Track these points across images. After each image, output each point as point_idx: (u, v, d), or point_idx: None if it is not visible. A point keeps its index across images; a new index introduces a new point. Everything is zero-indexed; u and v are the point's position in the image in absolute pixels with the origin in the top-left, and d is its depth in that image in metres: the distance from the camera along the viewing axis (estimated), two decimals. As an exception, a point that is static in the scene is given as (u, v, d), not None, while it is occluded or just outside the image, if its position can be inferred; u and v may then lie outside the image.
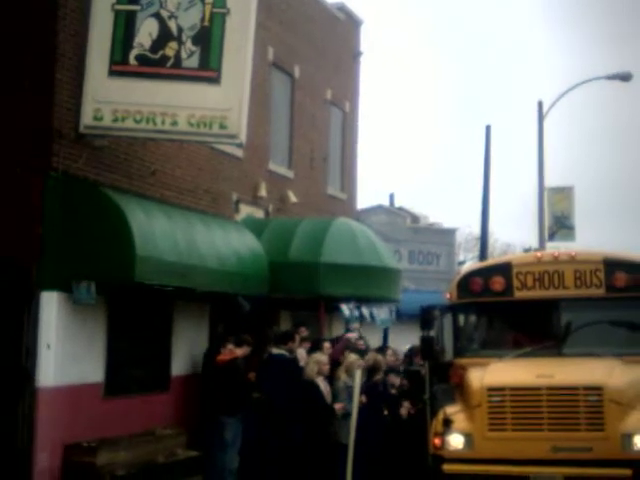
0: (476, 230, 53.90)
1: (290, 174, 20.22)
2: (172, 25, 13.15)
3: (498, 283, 12.29)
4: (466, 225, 51.13)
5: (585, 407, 10.44)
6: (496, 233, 52.97)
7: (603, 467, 10.19)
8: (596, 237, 39.57)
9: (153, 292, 14.14)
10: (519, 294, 12.22)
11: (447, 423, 10.90)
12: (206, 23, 13.09)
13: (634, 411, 10.47)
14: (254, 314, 16.57)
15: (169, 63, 13.13)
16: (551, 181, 31.58)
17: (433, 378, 12.74)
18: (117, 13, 13.23)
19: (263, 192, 18.75)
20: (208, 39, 13.06)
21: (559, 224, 31.82)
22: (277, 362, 13.95)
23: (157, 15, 13.19)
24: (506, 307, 12.43)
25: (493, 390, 10.82)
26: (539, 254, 12.65)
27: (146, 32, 13.18)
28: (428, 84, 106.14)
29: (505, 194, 57.40)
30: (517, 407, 10.66)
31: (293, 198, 19.86)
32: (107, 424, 13.83)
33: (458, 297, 12.56)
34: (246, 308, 16.19)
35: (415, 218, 45.03)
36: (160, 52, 13.14)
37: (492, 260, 14.10)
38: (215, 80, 13.04)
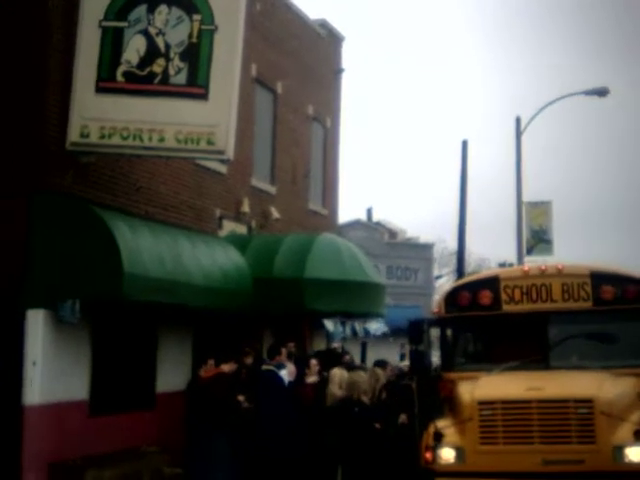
0: (451, 245, 54.28)
1: (272, 190, 20.24)
2: (160, 42, 13.16)
3: (486, 297, 12.33)
4: (441, 240, 51.30)
5: (576, 420, 10.46)
6: (470, 247, 53.31)
7: (595, 479, 10.23)
8: (574, 251, 39.80)
9: (138, 309, 14.11)
10: (507, 308, 12.27)
11: (438, 437, 10.89)
12: (194, 40, 13.10)
13: (625, 423, 10.51)
14: (237, 331, 16.58)
15: (157, 80, 13.14)
16: (529, 195, 31.80)
17: (422, 392, 12.75)
18: (104, 30, 13.24)
19: (246, 208, 18.76)
20: (196, 56, 13.08)
21: (537, 238, 31.97)
22: (266, 378, 13.91)
23: (145, 32, 13.19)
24: (494, 321, 12.46)
25: (484, 404, 10.83)
26: (526, 267, 12.69)
27: (134, 49, 13.18)
28: (407, 99, 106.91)
29: (481, 208, 57.80)
30: (508, 420, 10.67)
31: (276, 214, 19.87)
32: (93, 442, 13.77)
33: (446, 311, 12.58)
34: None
35: (393, 233, 45.19)
36: (148, 69, 13.13)
37: (479, 274, 14.14)
38: (203, 96, 13.05)
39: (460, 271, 28.10)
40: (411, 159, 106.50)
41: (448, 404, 12.01)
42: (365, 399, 13.42)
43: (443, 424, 11.13)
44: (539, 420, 10.56)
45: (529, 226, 31.77)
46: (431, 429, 11.08)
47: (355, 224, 40.10)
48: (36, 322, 12.94)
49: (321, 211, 23.01)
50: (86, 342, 13.91)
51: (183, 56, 13.13)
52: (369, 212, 44.75)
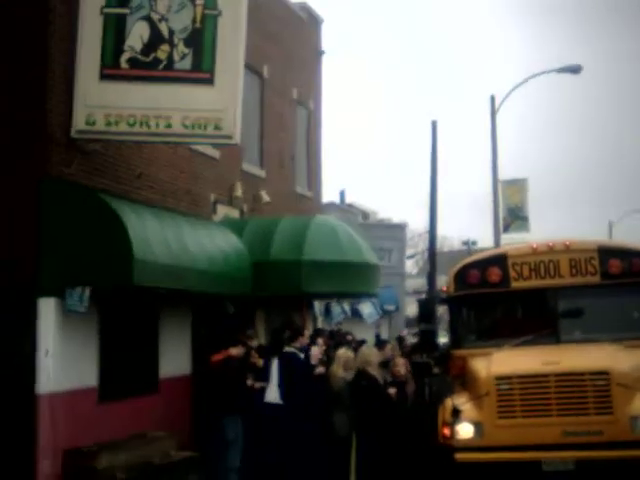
0: (413, 225, 54.84)
1: (262, 174, 20.32)
2: (163, 28, 13.14)
3: (495, 274, 12.55)
4: (406, 221, 51.73)
5: (593, 392, 10.71)
6: (440, 229, 53.88)
7: (614, 449, 10.47)
8: (549, 226, 40.40)
9: (143, 295, 14.17)
10: (516, 284, 12.50)
11: (456, 413, 11.08)
12: (198, 25, 13.10)
13: (640, 393, 10.79)
14: (237, 315, 16.67)
15: (161, 65, 13.11)
16: (503, 173, 32.07)
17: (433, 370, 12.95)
18: (106, 16, 13.18)
19: (239, 192, 18.82)
20: (200, 40, 13.08)
21: (513, 216, 32.32)
22: (290, 360, 13.98)
23: (147, 18, 13.16)
24: (503, 298, 12.70)
25: (501, 379, 11.05)
26: (535, 244, 12.89)
27: (137, 35, 13.14)
28: (384, 81, 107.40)
29: (450, 188, 58.67)
30: (526, 394, 10.90)
31: (266, 197, 19.94)
32: (102, 428, 13.85)
33: (455, 289, 12.78)
34: (230, 310, 16.27)
35: (365, 215, 45.37)
36: (152, 55, 13.10)
37: (488, 252, 14.35)
38: (209, 81, 13.06)
39: (432, 251, 28.28)
40: (385, 141, 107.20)
41: (460, 381, 12.22)
42: (371, 370, 13.38)
43: (460, 400, 11.33)
44: (556, 393, 10.80)
45: (505, 204, 32.10)
46: (448, 405, 11.27)
47: (329, 206, 40.10)
48: (48, 311, 12.94)
49: (307, 194, 23.14)
50: (93, 329, 13.95)
51: (187, 41, 13.12)
52: (342, 194, 44.84)
